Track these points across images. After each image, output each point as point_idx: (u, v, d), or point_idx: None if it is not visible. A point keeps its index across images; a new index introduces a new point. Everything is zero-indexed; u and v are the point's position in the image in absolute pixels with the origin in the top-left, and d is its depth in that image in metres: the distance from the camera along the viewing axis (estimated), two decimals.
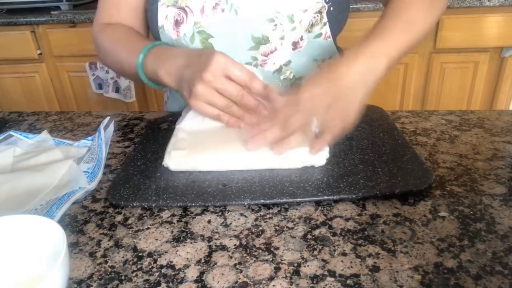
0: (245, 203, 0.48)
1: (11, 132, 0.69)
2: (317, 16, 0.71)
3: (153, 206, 0.49)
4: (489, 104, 1.91)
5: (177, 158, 0.55)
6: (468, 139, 0.63)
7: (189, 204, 0.49)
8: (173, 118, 0.71)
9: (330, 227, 0.45)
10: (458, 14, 1.71)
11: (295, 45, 0.73)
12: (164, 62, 0.62)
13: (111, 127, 0.69)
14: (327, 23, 0.72)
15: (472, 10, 1.69)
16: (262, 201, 0.48)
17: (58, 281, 0.32)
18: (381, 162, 0.54)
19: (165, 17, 0.71)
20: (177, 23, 0.71)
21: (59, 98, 2.10)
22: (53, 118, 0.80)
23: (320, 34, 0.74)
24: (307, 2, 0.70)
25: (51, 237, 0.36)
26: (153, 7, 0.72)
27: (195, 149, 0.56)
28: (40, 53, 2.00)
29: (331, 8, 0.72)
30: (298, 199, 0.48)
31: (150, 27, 0.77)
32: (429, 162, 0.57)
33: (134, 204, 0.49)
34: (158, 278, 0.39)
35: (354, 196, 0.48)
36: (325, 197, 0.48)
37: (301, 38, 0.73)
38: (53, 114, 0.82)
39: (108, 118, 0.69)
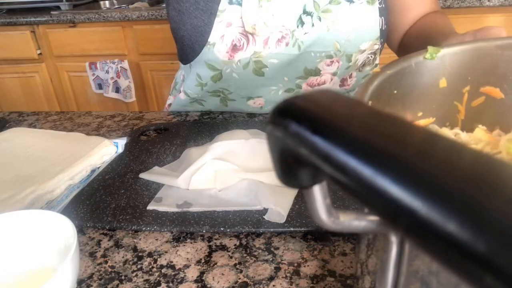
0: (202, 230, 0.44)
1: None
2: (371, 56, 0.70)
3: (107, 227, 0.46)
4: None
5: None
6: None
7: (143, 228, 0.45)
8: (156, 126, 0.70)
9: None
10: (458, 14, 1.71)
11: (343, 82, 0.73)
12: None
13: (121, 149, 0.64)
14: (378, 64, 0.72)
15: (472, 10, 1.69)
16: (205, 230, 0.44)
17: (70, 271, 0.34)
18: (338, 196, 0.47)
19: (220, 37, 0.64)
20: (235, 49, 0.66)
21: (59, 98, 2.10)
22: (53, 118, 0.80)
23: (368, 74, 0.73)
24: (367, 44, 0.68)
25: (63, 231, 0.37)
26: (204, 18, 0.64)
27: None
28: (40, 53, 2.00)
29: (382, 49, 0.71)
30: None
31: (184, 37, 0.68)
32: None
33: (88, 225, 0.46)
34: (158, 278, 0.39)
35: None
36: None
37: (350, 76, 0.73)
38: (53, 114, 0.82)
39: (124, 139, 0.65)
